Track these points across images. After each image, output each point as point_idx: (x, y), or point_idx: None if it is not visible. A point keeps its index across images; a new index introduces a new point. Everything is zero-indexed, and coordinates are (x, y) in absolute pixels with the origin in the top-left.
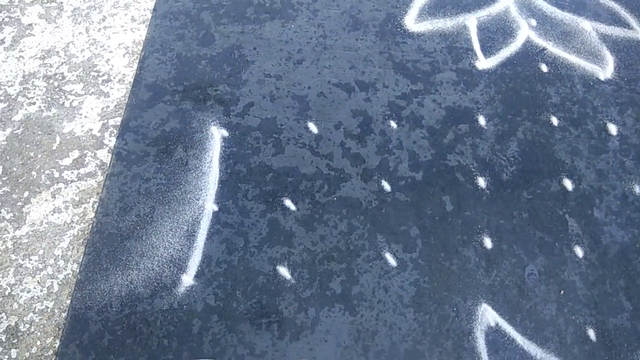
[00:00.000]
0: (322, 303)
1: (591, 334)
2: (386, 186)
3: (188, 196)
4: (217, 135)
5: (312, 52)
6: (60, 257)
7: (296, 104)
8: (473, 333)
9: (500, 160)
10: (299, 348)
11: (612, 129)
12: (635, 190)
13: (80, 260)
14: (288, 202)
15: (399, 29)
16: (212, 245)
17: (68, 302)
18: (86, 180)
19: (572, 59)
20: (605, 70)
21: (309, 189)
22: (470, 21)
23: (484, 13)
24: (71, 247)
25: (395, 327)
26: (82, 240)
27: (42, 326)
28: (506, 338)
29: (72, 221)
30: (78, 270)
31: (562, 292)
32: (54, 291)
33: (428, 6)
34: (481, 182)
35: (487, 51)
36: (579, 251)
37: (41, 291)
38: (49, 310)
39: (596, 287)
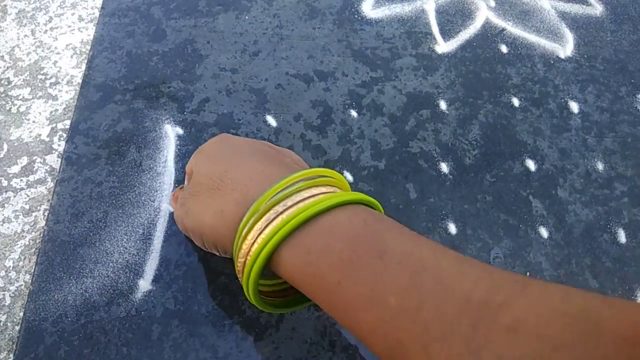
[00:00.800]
0: None
1: None
2: (349, 176)
3: (142, 198)
4: (171, 133)
5: (268, 44)
6: (11, 268)
7: (253, 97)
8: None
9: (463, 144)
10: (263, 347)
11: (574, 106)
12: (598, 167)
13: (32, 271)
14: None
15: (356, 16)
16: (169, 247)
17: (21, 314)
18: (36, 188)
19: (532, 38)
20: (565, 48)
21: None
22: (429, 5)
23: None
24: (22, 258)
25: None
26: (33, 249)
27: None
28: None
29: (23, 230)
30: (30, 280)
31: (527, 273)
32: (6, 304)
33: None
34: (444, 167)
35: (447, 34)
36: (544, 232)
37: None
38: (1, 324)
39: (562, 267)
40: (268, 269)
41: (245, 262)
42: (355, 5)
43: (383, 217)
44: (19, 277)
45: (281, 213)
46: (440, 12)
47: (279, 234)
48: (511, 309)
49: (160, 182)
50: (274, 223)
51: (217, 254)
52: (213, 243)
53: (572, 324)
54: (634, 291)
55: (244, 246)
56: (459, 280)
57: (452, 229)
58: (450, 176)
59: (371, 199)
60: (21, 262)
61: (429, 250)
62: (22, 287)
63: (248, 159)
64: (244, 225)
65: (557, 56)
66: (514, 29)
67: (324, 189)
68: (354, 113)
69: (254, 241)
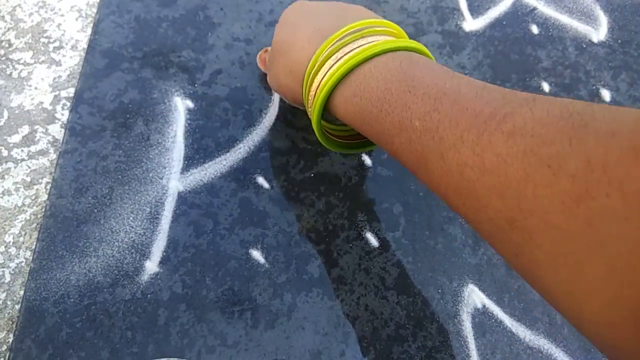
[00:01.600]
0: (299, 288)
1: None
2: (367, 160)
3: (150, 174)
4: (181, 106)
5: None
6: (11, 244)
7: None
8: (459, 315)
9: None
10: (274, 337)
11: (606, 94)
12: None
13: (33, 247)
14: (261, 180)
15: None
16: (178, 228)
17: (21, 293)
18: (37, 159)
19: (564, 19)
20: (599, 31)
21: (283, 165)
22: None
23: None
24: (23, 233)
25: (377, 311)
26: (35, 225)
27: None
28: (494, 320)
29: (24, 204)
30: (31, 257)
31: None
32: (6, 281)
33: None
34: None
35: (475, 11)
36: None
37: None
38: (0, 302)
39: None
40: (332, 114)
41: (311, 104)
42: None
43: (420, 58)
44: (19, 254)
45: (332, 66)
46: None
47: (329, 83)
48: (514, 117)
49: (168, 159)
50: (327, 74)
51: (301, 107)
52: (292, 97)
53: (564, 125)
54: None
55: (309, 97)
56: (473, 101)
57: None
58: None
59: (417, 45)
60: (21, 238)
61: (452, 80)
62: (23, 264)
63: (312, 21)
64: (306, 81)
65: (589, 40)
66: (545, 9)
67: (371, 39)
68: None
69: (314, 93)
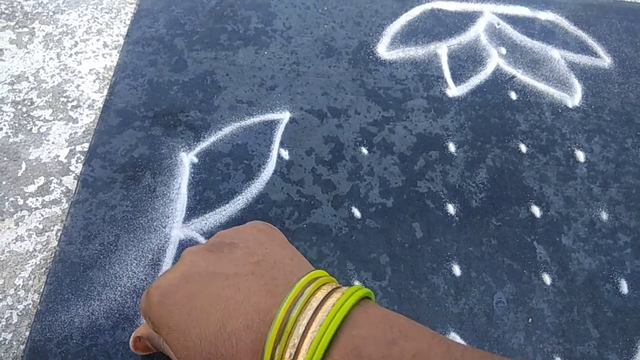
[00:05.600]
0: None
1: None
2: (357, 213)
3: (154, 224)
4: (186, 161)
5: (285, 79)
6: (20, 287)
7: (268, 130)
8: None
9: (470, 187)
10: None
11: (580, 155)
12: (603, 217)
13: (41, 291)
14: None
15: (371, 57)
16: None
17: (27, 333)
18: (51, 208)
19: (541, 86)
20: (574, 97)
21: (279, 216)
22: (442, 49)
23: (455, 41)
24: (32, 277)
25: None
26: (44, 269)
27: None
28: None
29: (35, 250)
30: (39, 300)
31: (530, 320)
32: (13, 322)
33: (400, 34)
34: (451, 208)
35: (458, 79)
36: (547, 278)
37: None
38: (6, 342)
39: (564, 314)
40: None
41: None
42: (371, 46)
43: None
44: (27, 296)
45: (311, 321)
46: (452, 57)
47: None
48: None
49: (172, 209)
50: (313, 331)
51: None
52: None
53: None
54: (634, 343)
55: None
56: None
57: (457, 270)
58: (457, 218)
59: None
60: (31, 281)
61: (431, 342)
62: (30, 306)
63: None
64: (271, 343)
65: (565, 105)
66: (523, 77)
67: (328, 288)
68: (364, 150)
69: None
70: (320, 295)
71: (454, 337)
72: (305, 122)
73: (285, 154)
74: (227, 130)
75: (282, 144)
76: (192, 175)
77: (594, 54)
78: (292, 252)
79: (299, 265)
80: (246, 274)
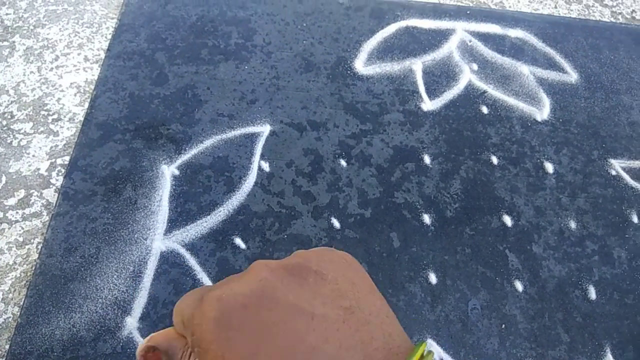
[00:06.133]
0: None
1: None
2: (336, 223)
3: (136, 236)
4: (167, 173)
5: (265, 93)
6: (0, 300)
7: (248, 143)
8: None
9: (445, 197)
10: None
11: (549, 167)
12: (571, 225)
13: (21, 303)
14: (238, 241)
15: (349, 72)
16: (158, 285)
17: (7, 347)
18: (31, 221)
19: (511, 101)
20: (542, 111)
21: (259, 227)
22: (416, 65)
23: (429, 58)
24: (12, 290)
25: None
26: (24, 282)
27: None
28: None
29: (15, 262)
30: (19, 313)
31: (503, 326)
32: None
33: (377, 50)
34: (426, 218)
35: (432, 94)
36: (519, 285)
37: None
38: None
39: (536, 320)
40: None
41: None
42: (349, 62)
43: None
44: (7, 309)
45: None
46: (427, 72)
47: None
48: None
49: (153, 221)
50: None
51: None
52: None
53: None
54: (603, 347)
55: None
56: None
57: (433, 278)
58: (432, 227)
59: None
60: (11, 294)
61: None
62: (10, 319)
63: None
64: None
65: (534, 119)
66: (494, 92)
67: None
68: (343, 162)
69: None
70: None
71: (431, 343)
72: (285, 135)
73: (265, 166)
74: (208, 143)
75: (262, 157)
76: (174, 187)
77: (561, 69)
78: (384, 304)
79: (394, 326)
80: (336, 321)
